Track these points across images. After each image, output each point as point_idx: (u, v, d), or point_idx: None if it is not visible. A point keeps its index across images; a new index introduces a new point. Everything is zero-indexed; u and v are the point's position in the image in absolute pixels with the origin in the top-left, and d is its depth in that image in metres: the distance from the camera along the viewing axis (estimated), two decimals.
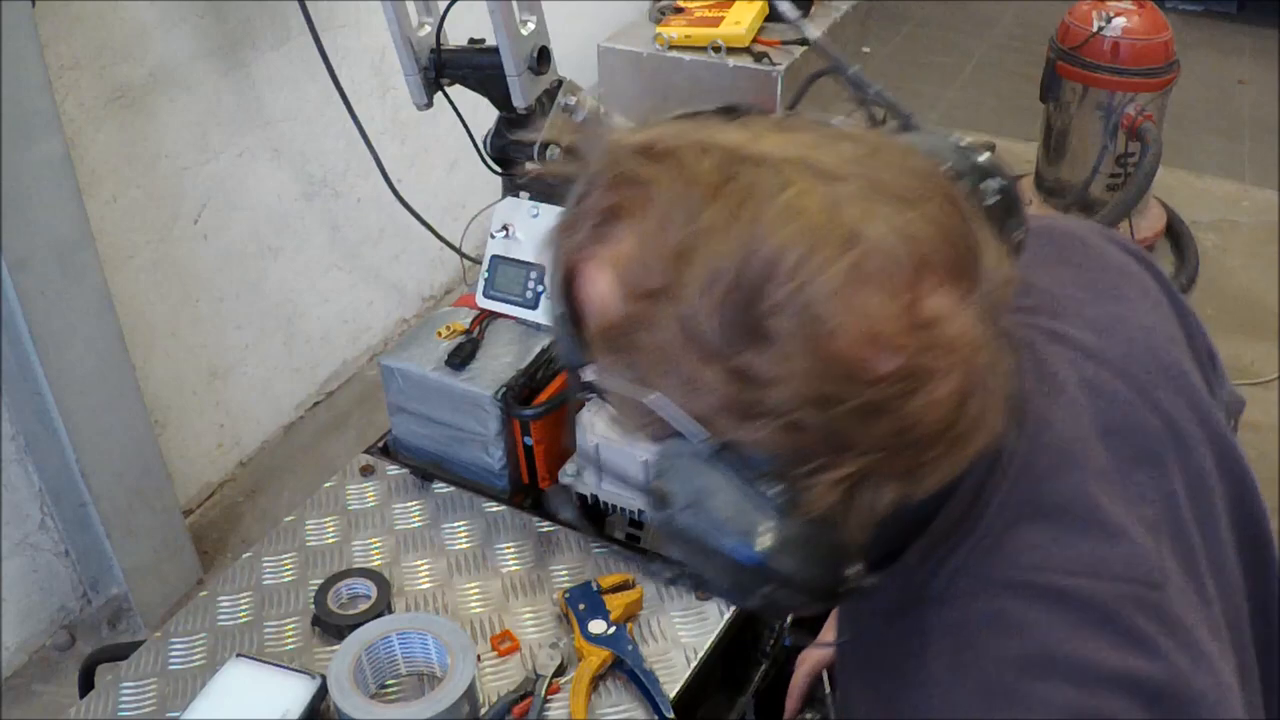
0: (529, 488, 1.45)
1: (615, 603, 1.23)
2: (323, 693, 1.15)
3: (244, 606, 1.30)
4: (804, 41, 3.26)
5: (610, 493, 1.35)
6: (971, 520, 0.71)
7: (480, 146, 1.82)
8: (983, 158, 0.72)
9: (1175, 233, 3.51)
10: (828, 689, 1.22)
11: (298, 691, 1.15)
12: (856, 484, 0.63)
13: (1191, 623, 0.70)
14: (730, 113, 0.72)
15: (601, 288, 0.66)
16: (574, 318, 0.69)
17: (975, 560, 0.71)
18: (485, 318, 1.52)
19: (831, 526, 0.65)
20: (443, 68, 1.75)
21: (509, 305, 1.51)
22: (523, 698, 1.17)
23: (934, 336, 0.60)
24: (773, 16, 3.35)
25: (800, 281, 0.59)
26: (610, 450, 1.27)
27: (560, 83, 1.75)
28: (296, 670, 1.18)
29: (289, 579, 1.34)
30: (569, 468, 1.36)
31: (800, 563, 0.66)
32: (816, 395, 0.60)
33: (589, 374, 0.69)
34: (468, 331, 1.50)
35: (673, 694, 1.17)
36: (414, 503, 1.44)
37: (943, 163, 0.71)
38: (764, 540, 0.65)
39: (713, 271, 0.60)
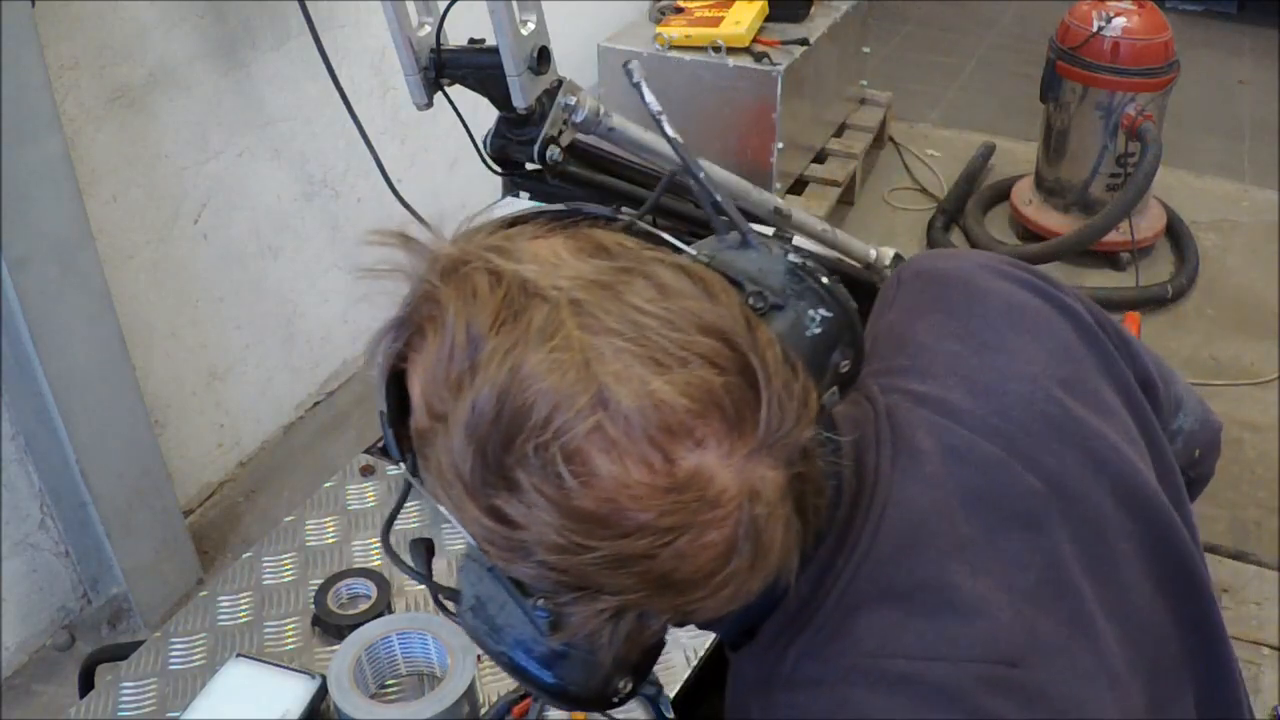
0: None
1: None
2: (323, 693, 1.15)
3: (244, 606, 1.30)
4: (804, 41, 3.27)
5: None
6: (814, 605, 0.71)
7: (480, 146, 1.82)
8: (825, 280, 0.70)
9: (1175, 233, 3.51)
10: None
11: (298, 691, 1.15)
12: (617, 614, 0.64)
13: (1066, 687, 0.70)
14: (564, 218, 0.72)
15: (415, 394, 0.67)
16: (393, 417, 0.71)
17: (818, 646, 0.71)
18: None
19: (597, 647, 0.67)
20: (443, 68, 1.75)
21: None
22: (523, 698, 1.17)
23: (688, 495, 0.60)
24: (773, 16, 3.36)
25: (544, 440, 0.59)
26: None
27: (560, 83, 1.76)
28: (296, 670, 1.18)
29: (289, 579, 1.34)
30: None
31: (564, 676, 0.70)
32: (562, 544, 0.60)
33: (404, 470, 0.72)
34: None
35: (673, 694, 1.17)
36: (414, 502, 1.44)
37: (767, 289, 0.69)
38: (532, 652, 0.70)
39: (475, 412, 0.60)
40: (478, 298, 0.62)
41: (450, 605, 0.75)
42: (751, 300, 0.68)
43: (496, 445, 0.60)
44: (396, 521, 1.44)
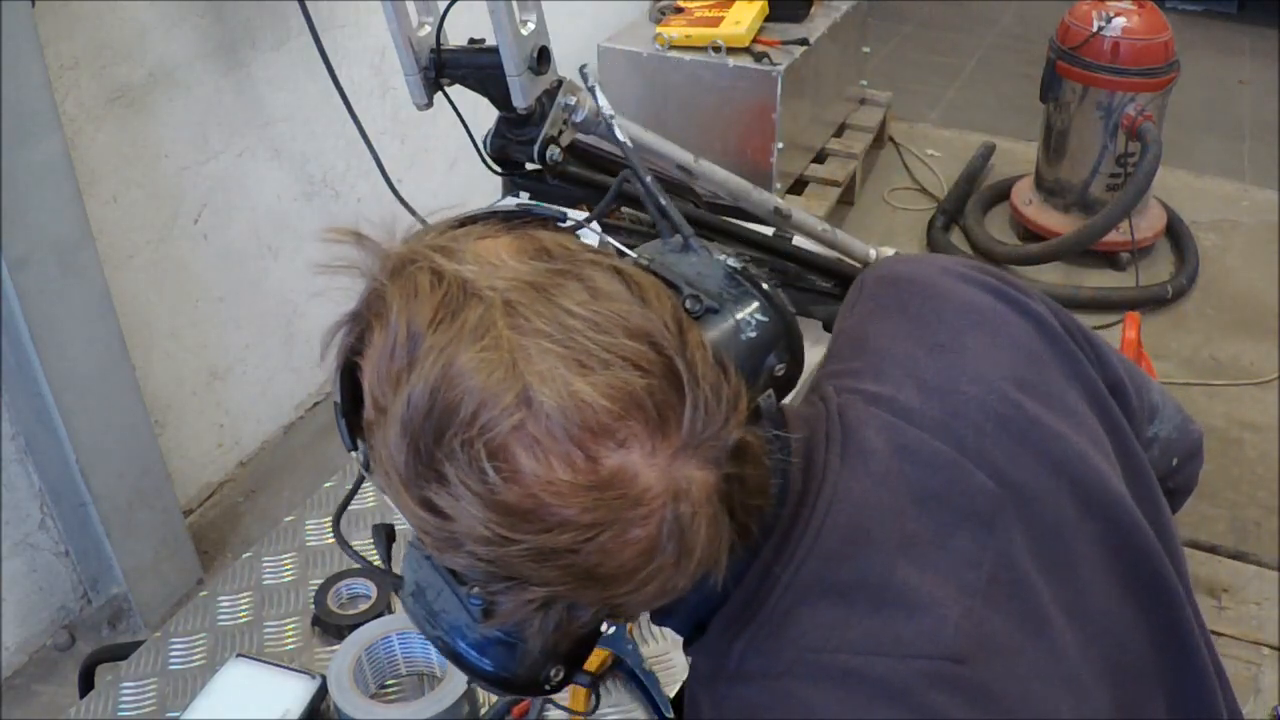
0: None
1: None
2: (323, 693, 1.15)
3: (244, 606, 1.30)
4: (804, 41, 3.27)
5: None
6: (758, 601, 0.72)
7: (480, 146, 1.82)
8: (764, 285, 0.72)
9: (1175, 233, 3.51)
10: None
11: (298, 691, 1.15)
12: (545, 605, 0.66)
13: (1018, 686, 0.71)
14: (515, 219, 0.74)
15: (365, 387, 0.69)
16: (347, 408, 0.73)
17: (762, 640, 0.72)
18: None
19: (528, 636, 0.69)
20: (443, 68, 1.75)
21: None
22: (522, 698, 1.17)
23: (612, 493, 0.61)
24: (773, 16, 3.36)
25: (470, 436, 0.61)
26: None
27: (560, 83, 1.75)
28: (296, 670, 1.18)
29: (289, 579, 1.34)
30: None
31: (497, 661, 0.73)
32: (488, 536, 0.62)
33: (357, 458, 0.74)
34: None
35: (673, 694, 1.17)
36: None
37: (703, 292, 0.71)
38: (467, 638, 0.73)
39: (410, 407, 0.63)
40: (419, 296, 0.65)
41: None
42: (688, 303, 0.70)
43: (428, 440, 0.62)
44: (397, 522, 1.45)
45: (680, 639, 0.80)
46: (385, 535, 0.82)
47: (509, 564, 0.63)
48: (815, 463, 0.76)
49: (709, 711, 0.74)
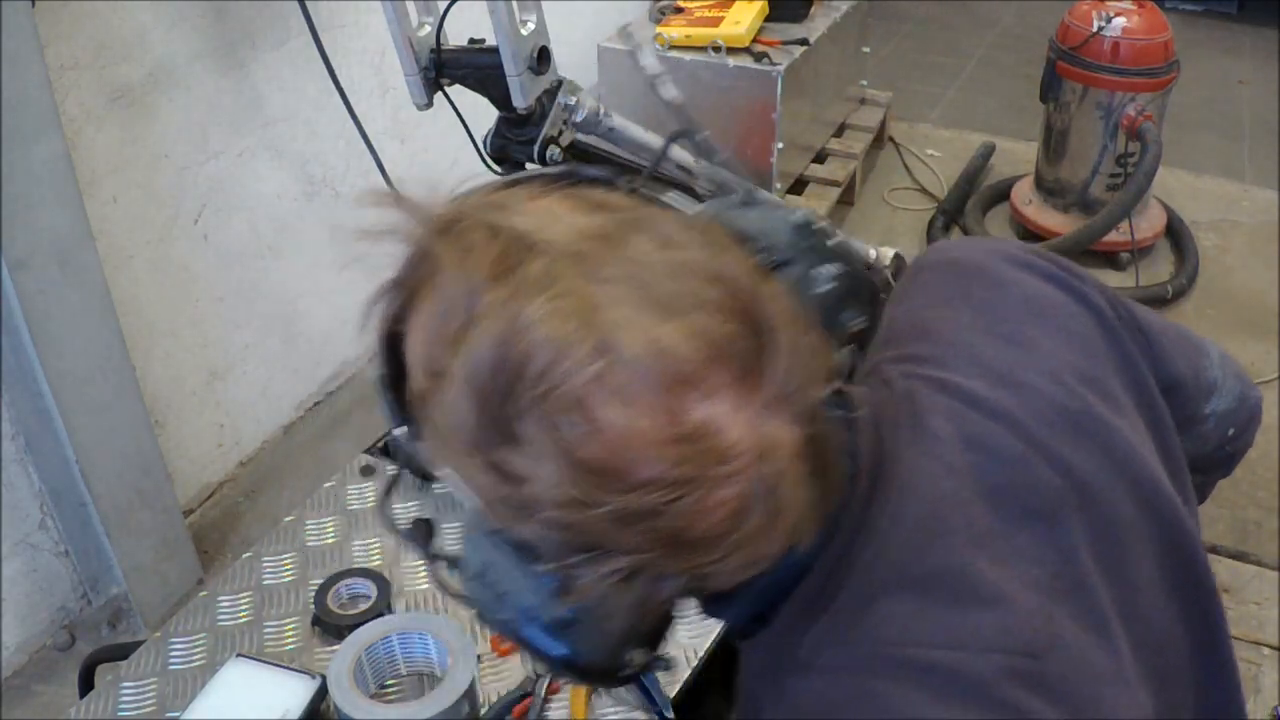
0: None
1: None
2: (323, 693, 1.15)
3: (244, 606, 1.30)
4: (804, 41, 3.27)
5: None
6: (832, 590, 0.69)
7: (480, 146, 1.82)
8: (832, 241, 0.68)
9: (1175, 233, 3.51)
10: None
11: (298, 691, 1.15)
12: (629, 578, 0.61)
13: (1087, 686, 0.69)
14: (561, 180, 0.70)
15: (414, 355, 0.64)
16: (393, 380, 0.68)
17: (837, 632, 0.68)
18: None
19: (607, 614, 0.65)
20: (443, 68, 1.75)
21: None
22: (522, 698, 1.17)
23: (699, 447, 0.57)
24: (773, 16, 3.36)
25: (544, 389, 0.56)
26: None
27: (560, 83, 1.75)
28: (296, 670, 1.18)
29: (289, 579, 1.34)
30: None
31: (573, 645, 0.68)
32: (568, 498, 0.58)
33: (401, 436, 0.69)
34: None
35: (673, 694, 1.17)
36: (414, 502, 1.44)
37: (772, 245, 0.67)
38: (538, 620, 0.67)
39: (474, 364, 0.58)
40: (474, 252, 0.60)
41: (452, 582, 0.73)
42: (758, 257, 0.66)
43: (497, 397, 0.58)
44: (397, 522, 1.44)
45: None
46: (425, 530, 0.78)
47: (588, 530, 0.58)
48: (885, 446, 0.73)
49: (774, 708, 0.70)
